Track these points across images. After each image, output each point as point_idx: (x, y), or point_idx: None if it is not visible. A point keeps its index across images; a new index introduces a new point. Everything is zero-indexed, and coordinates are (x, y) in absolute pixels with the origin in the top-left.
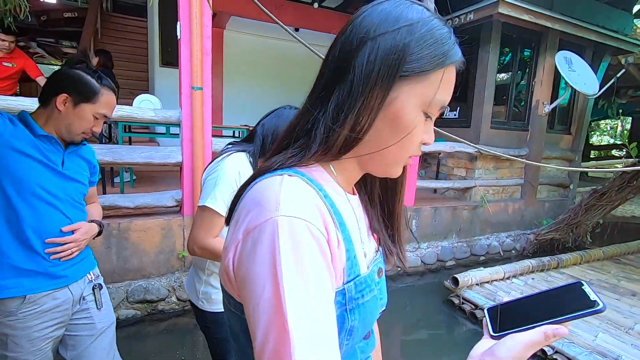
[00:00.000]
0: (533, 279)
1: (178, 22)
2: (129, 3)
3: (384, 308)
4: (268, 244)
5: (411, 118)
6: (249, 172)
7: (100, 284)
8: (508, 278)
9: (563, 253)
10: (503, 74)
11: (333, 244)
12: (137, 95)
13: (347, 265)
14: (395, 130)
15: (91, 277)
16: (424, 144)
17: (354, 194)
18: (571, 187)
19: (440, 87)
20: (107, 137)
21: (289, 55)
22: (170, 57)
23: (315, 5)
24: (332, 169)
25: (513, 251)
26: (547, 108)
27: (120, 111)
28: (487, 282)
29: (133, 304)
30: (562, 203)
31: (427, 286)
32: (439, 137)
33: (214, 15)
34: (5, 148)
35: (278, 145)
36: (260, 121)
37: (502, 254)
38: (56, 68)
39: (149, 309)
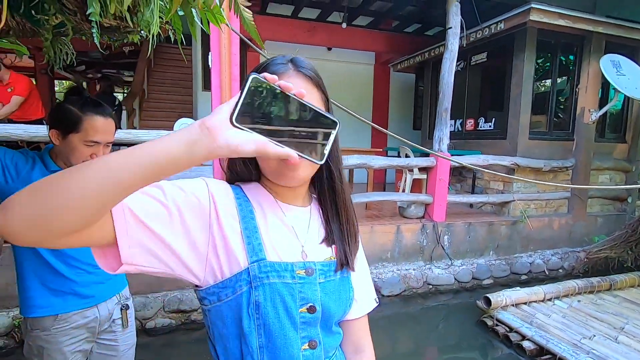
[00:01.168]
0: (579, 301)
1: (210, 52)
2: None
3: (309, 304)
4: None
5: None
6: None
7: (127, 305)
8: (549, 299)
9: (620, 273)
10: (544, 81)
11: (228, 220)
12: (182, 117)
13: (248, 249)
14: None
15: (119, 298)
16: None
17: (303, 206)
18: (629, 200)
19: None
20: None
21: (323, 74)
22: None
23: (344, 25)
24: (266, 186)
25: (560, 270)
26: (595, 115)
27: (159, 136)
28: (524, 303)
29: (169, 314)
30: (619, 218)
31: (461, 305)
32: (472, 150)
33: (250, 41)
34: (23, 183)
35: None
36: None
37: (547, 272)
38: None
39: (182, 318)
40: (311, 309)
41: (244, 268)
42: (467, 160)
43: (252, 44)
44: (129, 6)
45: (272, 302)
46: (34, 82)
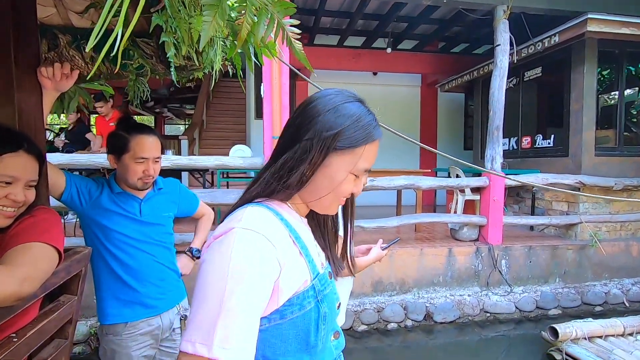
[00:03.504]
0: None
1: (262, 84)
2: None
3: (339, 302)
4: (226, 248)
5: (340, 177)
6: None
7: (186, 315)
8: (630, 334)
9: None
10: (610, 94)
11: (289, 253)
12: (237, 144)
13: (310, 267)
14: (330, 184)
15: (179, 309)
16: (353, 194)
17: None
18: None
19: (362, 157)
20: (210, 183)
21: (369, 98)
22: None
23: (389, 50)
24: (288, 204)
25: None
26: None
27: (217, 161)
28: (599, 336)
29: None
30: None
31: (524, 337)
32: (529, 169)
33: (299, 70)
34: (94, 206)
35: (248, 189)
36: None
37: (627, 304)
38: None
39: None
40: (338, 306)
41: (310, 285)
42: (524, 179)
43: (301, 74)
44: (195, 48)
45: (331, 310)
46: None
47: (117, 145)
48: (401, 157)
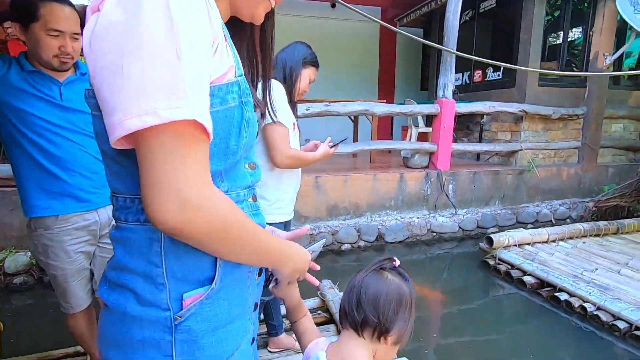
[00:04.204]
0: (584, 242)
1: None
2: None
3: (257, 131)
4: None
5: None
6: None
7: None
8: (553, 241)
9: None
10: (556, 26)
11: (221, 29)
12: None
13: (235, 62)
14: None
15: None
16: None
17: None
18: None
19: None
20: None
21: (325, 32)
22: None
23: None
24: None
25: (568, 220)
26: (609, 59)
27: None
28: (528, 243)
29: None
30: (631, 169)
31: (465, 253)
32: (480, 101)
33: None
34: (1, 84)
35: None
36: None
37: (554, 222)
38: None
39: None
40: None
41: (234, 80)
42: (472, 107)
43: None
44: None
45: (254, 119)
46: None
47: (22, 10)
48: (359, 89)
